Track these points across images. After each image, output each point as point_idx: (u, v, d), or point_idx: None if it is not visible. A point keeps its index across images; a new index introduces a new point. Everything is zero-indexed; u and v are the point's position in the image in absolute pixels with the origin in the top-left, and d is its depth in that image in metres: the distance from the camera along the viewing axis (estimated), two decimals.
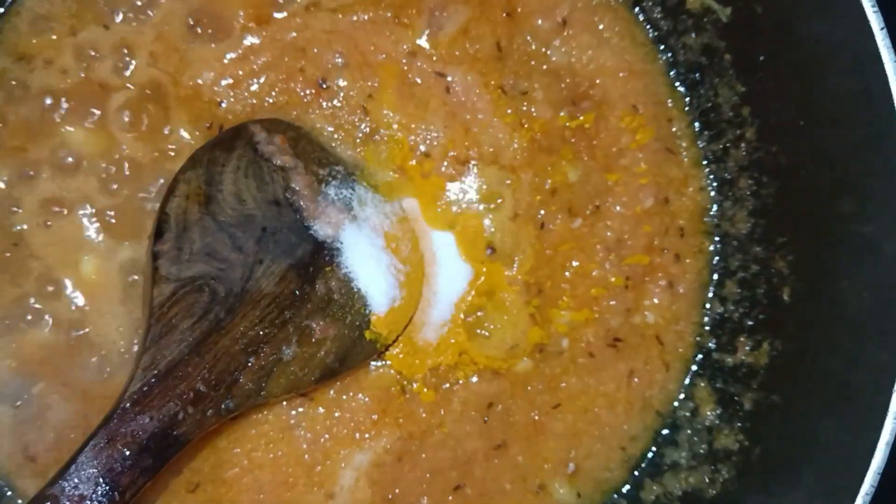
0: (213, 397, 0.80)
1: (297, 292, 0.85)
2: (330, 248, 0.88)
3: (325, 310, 0.86)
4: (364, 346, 0.88)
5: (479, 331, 0.93)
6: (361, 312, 0.88)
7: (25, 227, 0.89)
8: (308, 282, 0.86)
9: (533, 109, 0.94)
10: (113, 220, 0.90)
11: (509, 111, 0.94)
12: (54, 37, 0.91)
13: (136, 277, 0.90)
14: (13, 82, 0.90)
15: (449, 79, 0.94)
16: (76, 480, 0.73)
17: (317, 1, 0.93)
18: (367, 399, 0.91)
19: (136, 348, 0.88)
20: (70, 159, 0.90)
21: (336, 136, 0.93)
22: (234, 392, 0.81)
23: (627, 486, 0.94)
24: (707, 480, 0.90)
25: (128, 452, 0.75)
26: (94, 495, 0.73)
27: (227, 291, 0.82)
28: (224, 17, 0.92)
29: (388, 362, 0.92)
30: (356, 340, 0.88)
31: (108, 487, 0.73)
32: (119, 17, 0.91)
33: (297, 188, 0.88)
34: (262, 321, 0.83)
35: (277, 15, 0.93)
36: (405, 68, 0.94)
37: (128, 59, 0.91)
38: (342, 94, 0.93)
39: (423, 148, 0.93)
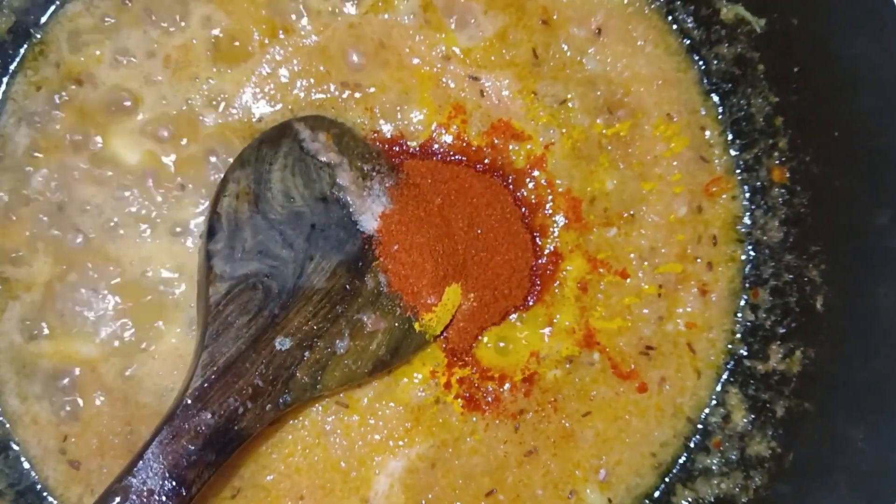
0: (270, 392, 0.80)
1: (348, 287, 0.86)
2: (378, 241, 0.88)
3: (376, 303, 0.87)
4: (414, 337, 0.89)
5: (502, 343, 0.94)
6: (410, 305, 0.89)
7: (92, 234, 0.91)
8: (358, 276, 0.86)
9: (570, 117, 0.95)
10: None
11: (541, 113, 0.95)
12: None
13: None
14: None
15: (483, 83, 0.95)
16: (143, 476, 0.73)
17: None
18: (400, 408, 0.91)
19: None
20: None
21: (371, 136, 0.93)
22: (291, 386, 0.82)
23: (658, 492, 0.96)
24: (739, 487, 0.91)
25: (192, 448, 0.76)
26: (161, 489, 0.73)
27: (280, 288, 0.83)
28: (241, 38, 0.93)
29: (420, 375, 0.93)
30: (406, 332, 0.88)
31: (174, 482, 0.74)
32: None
33: (344, 184, 0.88)
34: (316, 316, 0.84)
35: (299, 22, 0.93)
36: (438, 72, 0.94)
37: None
38: (376, 97, 0.93)
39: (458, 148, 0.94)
